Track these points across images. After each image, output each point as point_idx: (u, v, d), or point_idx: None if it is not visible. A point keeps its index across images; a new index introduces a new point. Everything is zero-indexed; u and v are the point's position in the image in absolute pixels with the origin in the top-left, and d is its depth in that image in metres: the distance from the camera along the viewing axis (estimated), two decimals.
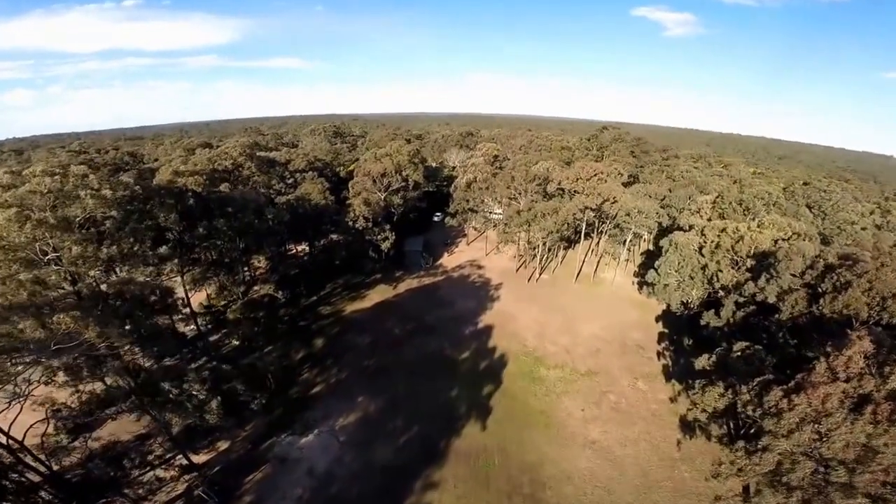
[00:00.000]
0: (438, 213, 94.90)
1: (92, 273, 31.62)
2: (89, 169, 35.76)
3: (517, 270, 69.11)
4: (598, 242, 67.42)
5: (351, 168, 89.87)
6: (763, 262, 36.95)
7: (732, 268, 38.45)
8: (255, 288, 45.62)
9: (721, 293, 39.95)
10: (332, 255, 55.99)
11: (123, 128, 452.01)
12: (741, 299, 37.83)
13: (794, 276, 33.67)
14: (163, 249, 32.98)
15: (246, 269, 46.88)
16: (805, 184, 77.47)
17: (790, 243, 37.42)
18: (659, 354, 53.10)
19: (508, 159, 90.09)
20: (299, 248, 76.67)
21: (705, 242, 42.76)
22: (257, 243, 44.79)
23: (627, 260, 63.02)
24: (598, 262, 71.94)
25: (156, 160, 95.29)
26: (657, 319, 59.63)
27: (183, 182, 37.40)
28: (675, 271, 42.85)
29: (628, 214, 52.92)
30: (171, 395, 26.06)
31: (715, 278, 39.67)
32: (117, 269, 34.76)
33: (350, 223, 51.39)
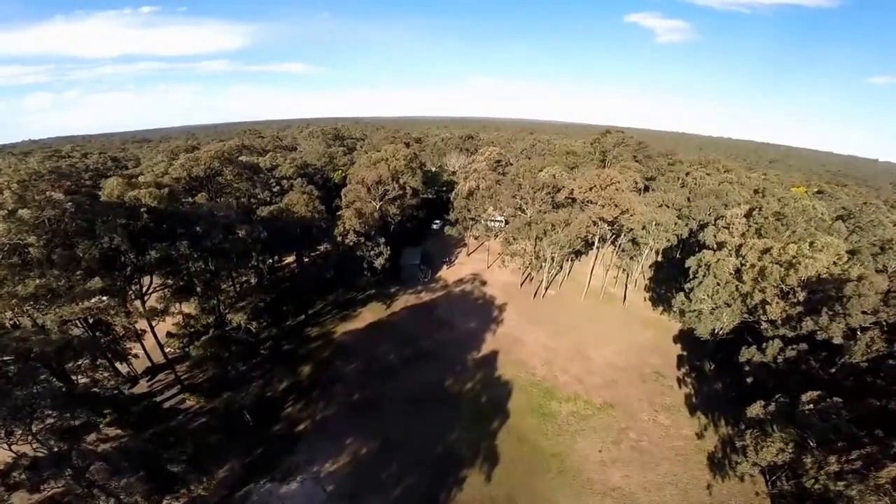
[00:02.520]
0: (437, 221, 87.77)
1: (9, 315, 23.87)
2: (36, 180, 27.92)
3: (521, 285, 62.12)
4: (607, 253, 59.98)
5: (347, 173, 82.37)
6: (819, 294, 29.79)
7: (781, 298, 31.27)
8: (229, 317, 37.98)
9: (764, 325, 32.79)
10: (322, 269, 48.47)
11: (134, 130, 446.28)
12: (791, 333, 30.65)
13: (865, 313, 26.71)
14: (95, 281, 25.26)
15: (221, 293, 39.21)
16: (818, 192, 70.63)
17: (848, 270, 30.26)
18: (679, 382, 47.28)
19: (511, 164, 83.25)
20: (288, 260, 69.30)
21: (744, 264, 35.57)
22: (230, 264, 37.23)
23: (641, 274, 55.83)
24: (607, 275, 64.81)
25: (139, 164, 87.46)
26: (675, 340, 52.95)
27: (135, 196, 29.74)
28: (709, 297, 35.71)
29: (645, 227, 45.75)
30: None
31: (760, 310, 32.54)
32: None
33: (339, 238, 43.81)
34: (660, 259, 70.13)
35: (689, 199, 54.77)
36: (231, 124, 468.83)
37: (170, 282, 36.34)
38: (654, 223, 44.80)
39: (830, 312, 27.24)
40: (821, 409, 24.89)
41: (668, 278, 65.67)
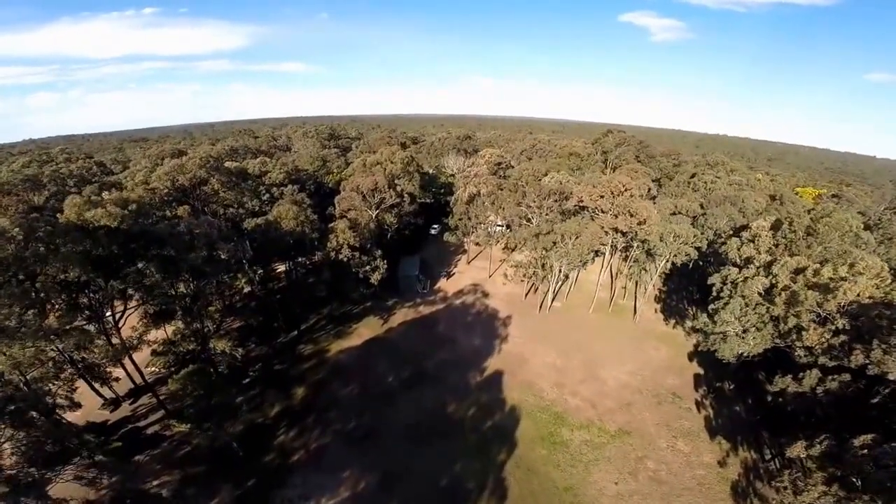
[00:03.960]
0: (435, 226, 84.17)
1: None
2: None
3: (526, 296, 58.77)
4: (614, 260, 56.62)
5: (341, 177, 78.53)
6: (863, 320, 26.57)
7: (818, 324, 28.06)
8: (213, 343, 34.41)
9: (799, 352, 29.63)
10: (315, 281, 45.01)
11: (134, 129, 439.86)
12: (831, 363, 27.49)
13: None
14: (51, 320, 21.66)
15: (205, 316, 35.49)
16: (835, 196, 67.47)
17: (893, 294, 27.05)
18: (698, 404, 44.68)
19: (512, 166, 79.54)
20: (280, 269, 65.65)
21: (775, 284, 32.34)
22: (213, 287, 33.64)
23: (652, 285, 52.59)
24: (615, 284, 61.61)
25: (125, 169, 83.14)
26: (690, 358, 49.88)
27: (95, 218, 26.01)
28: (736, 319, 32.52)
29: (662, 239, 42.42)
30: None
31: (794, 336, 29.32)
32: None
33: (332, 253, 40.21)
34: (670, 267, 67.12)
35: (702, 206, 51.45)
36: (229, 122, 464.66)
37: (149, 306, 32.71)
38: (672, 235, 41.45)
39: (884, 345, 24.13)
40: (877, 456, 21.75)
41: (680, 288, 62.76)
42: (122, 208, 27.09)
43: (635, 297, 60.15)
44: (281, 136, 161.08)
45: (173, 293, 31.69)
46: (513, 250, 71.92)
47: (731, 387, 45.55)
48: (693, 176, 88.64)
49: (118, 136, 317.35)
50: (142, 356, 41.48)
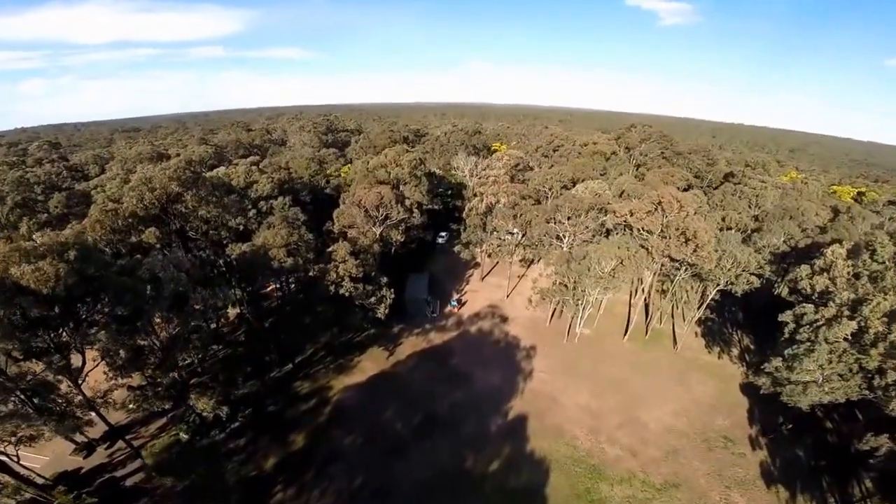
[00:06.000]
0: (443, 234, 78.71)
1: None
2: None
3: (550, 321, 53.41)
4: (656, 280, 51.17)
5: (340, 180, 72.91)
6: None
7: None
8: (193, 402, 29.44)
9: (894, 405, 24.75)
10: (312, 315, 39.99)
11: (125, 118, 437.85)
12: None
13: None
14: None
15: (180, 367, 30.48)
16: (893, 202, 61.51)
17: None
18: (752, 446, 40.05)
19: (531, 168, 73.34)
20: (272, 286, 60.61)
21: (866, 329, 27.10)
22: (185, 338, 28.48)
23: (700, 318, 47.20)
24: (650, 306, 56.03)
25: (103, 172, 77.66)
26: (740, 391, 45.03)
27: (22, 278, 20.69)
28: (819, 367, 27.46)
29: (718, 264, 36.97)
30: None
31: (892, 391, 24.38)
32: None
33: (331, 287, 34.91)
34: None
35: (756, 219, 45.74)
36: (224, 112, 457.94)
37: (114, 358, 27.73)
38: (732, 260, 35.86)
39: None
40: None
41: (723, 308, 57.36)
42: (60, 258, 21.75)
43: (673, 319, 54.86)
44: (276, 130, 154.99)
45: (137, 347, 26.62)
46: (530, 264, 66.75)
47: (789, 427, 41.04)
48: (727, 176, 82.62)
49: (110, 125, 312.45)
50: (120, 392, 37.13)
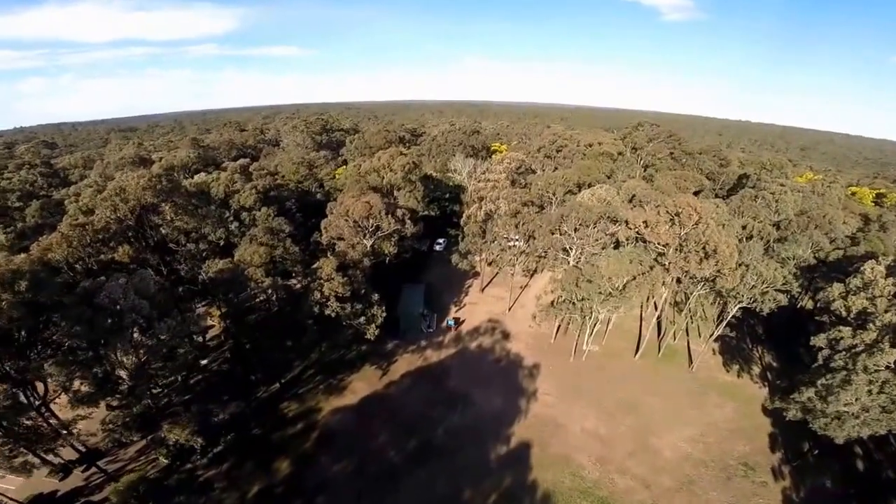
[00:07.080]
0: (440, 240, 76.07)
1: None
2: None
3: (554, 338, 50.70)
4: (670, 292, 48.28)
5: (333, 183, 70.22)
6: None
7: None
8: (166, 432, 26.93)
9: None
10: (297, 335, 37.41)
11: (123, 117, 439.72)
12: None
13: None
14: None
15: (151, 396, 28.06)
16: None
17: None
18: (774, 474, 37.43)
19: (534, 171, 70.53)
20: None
21: None
22: (152, 365, 25.97)
23: (717, 335, 44.28)
24: (664, 321, 52.82)
25: (83, 179, 75.38)
26: (760, 415, 42.43)
27: None
28: (857, 400, 24.72)
29: (742, 280, 34.14)
30: None
31: None
32: None
33: (316, 307, 32.28)
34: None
35: (777, 227, 42.84)
36: (221, 111, 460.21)
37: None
38: (756, 275, 32.99)
39: None
40: None
41: (742, 323, 54.34)
42: (10, 287, 19.29)
43: (688, 335, 51.87)
44: (270, 129, 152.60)
45: (101, 377, 24.13)
46: (533, 274, 63.91)
47: (815, 452, 38.34)
48: (742, 178, 79.46)
49: (107, 124, 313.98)
50: (100, 411, 34.88)
